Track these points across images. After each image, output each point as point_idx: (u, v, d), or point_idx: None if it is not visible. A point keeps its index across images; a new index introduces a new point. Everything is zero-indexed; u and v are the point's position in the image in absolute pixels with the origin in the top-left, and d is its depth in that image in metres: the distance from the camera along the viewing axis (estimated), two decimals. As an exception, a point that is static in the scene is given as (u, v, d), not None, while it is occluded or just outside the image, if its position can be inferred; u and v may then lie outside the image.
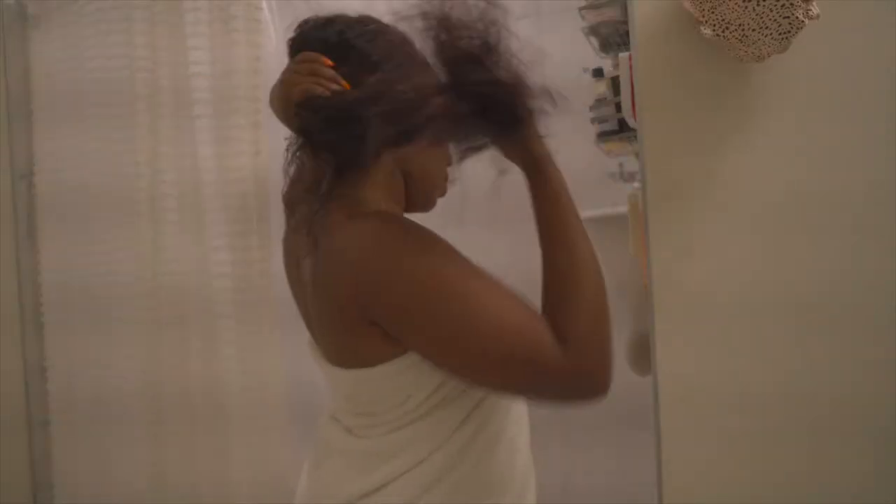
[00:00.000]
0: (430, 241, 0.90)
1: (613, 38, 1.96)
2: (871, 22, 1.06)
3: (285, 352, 1.73)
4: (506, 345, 0.83)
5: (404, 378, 0.94)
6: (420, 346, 0.88)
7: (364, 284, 0.88)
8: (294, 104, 0.96)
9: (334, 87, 0.96)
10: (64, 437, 1.92)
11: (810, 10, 0.99)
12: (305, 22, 1.06)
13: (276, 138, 1.79)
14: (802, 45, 1.04)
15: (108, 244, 1.83)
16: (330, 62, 0.99)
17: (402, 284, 0.86)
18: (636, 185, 1.97)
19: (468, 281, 0.87)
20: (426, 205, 1.09)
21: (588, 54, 2.06)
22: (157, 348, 1.79)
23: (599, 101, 2.01)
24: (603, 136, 2.01)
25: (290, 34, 1.08)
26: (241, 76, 1.72)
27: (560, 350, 0.83)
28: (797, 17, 0.98)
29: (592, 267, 0.90)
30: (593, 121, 2.01)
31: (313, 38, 1.03)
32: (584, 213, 2.19)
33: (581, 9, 1.96)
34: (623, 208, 1.91)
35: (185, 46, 1.74)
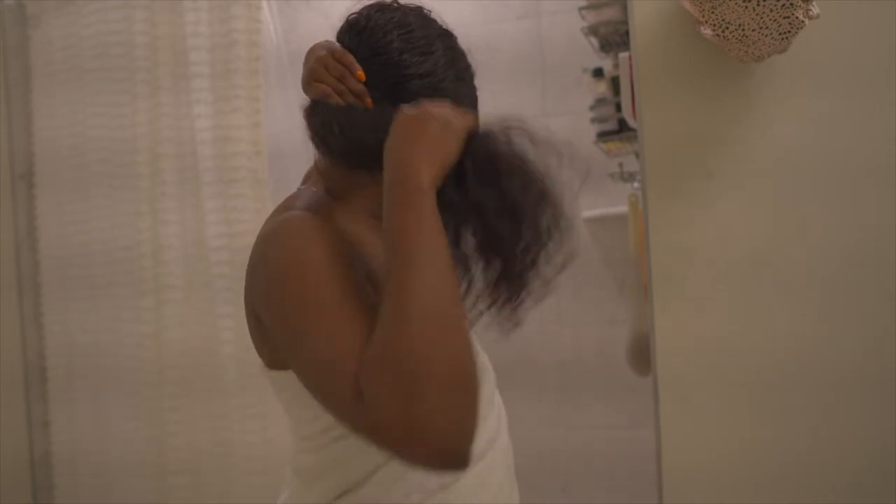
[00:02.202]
0: (316, 247, 0.81)
1: (613, 38, 1.97)
2: (871, 22, 1.06)
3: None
4: (316, 371, 0.76)
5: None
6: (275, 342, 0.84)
7: (252, 279, 0.87)
8: (307, 101, 0.90)
9: (352, 101, 0.87)
10: (61, 408, 1.93)
11: (810, 10, 0.99)
12: (379, 9, 0.90)
13: (273, 124, 1.80)
14: (802, 45, 1.04)
15: (106, 214, 1.85)
16: (363, 76, 0.87)
17: (268, 281, 0.83)
18: (636, 185, 1.98)
19: (322, 292, 0.77)
20: None
21: (588, 54, 2.07)
22: (155, 315, 1.80)
23: (599, 101, 2.02)
24: (603, 136, 2.01)
25: (356, 13, 0.91)
26: (240, 48, 1.72)
27: (356, 399, 0.69)
28: (797, 17, 0.98)
29: (429, 313, 0.69)
30: (593, 121, 2.01)
31: (367, 39, 0.88)
32: (584, 213, 2.21)
33: (581, 9, 1.96)
34: (623, 208, 1.91)
35: (185, 33, 1.75)
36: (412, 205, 0.74)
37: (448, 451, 0.67)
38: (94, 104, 1.85)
